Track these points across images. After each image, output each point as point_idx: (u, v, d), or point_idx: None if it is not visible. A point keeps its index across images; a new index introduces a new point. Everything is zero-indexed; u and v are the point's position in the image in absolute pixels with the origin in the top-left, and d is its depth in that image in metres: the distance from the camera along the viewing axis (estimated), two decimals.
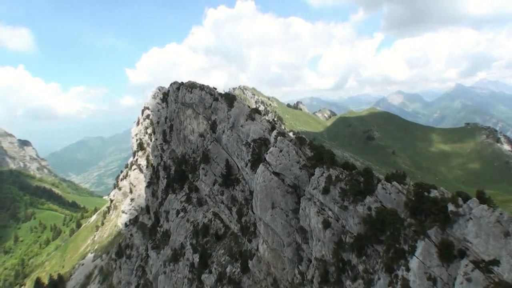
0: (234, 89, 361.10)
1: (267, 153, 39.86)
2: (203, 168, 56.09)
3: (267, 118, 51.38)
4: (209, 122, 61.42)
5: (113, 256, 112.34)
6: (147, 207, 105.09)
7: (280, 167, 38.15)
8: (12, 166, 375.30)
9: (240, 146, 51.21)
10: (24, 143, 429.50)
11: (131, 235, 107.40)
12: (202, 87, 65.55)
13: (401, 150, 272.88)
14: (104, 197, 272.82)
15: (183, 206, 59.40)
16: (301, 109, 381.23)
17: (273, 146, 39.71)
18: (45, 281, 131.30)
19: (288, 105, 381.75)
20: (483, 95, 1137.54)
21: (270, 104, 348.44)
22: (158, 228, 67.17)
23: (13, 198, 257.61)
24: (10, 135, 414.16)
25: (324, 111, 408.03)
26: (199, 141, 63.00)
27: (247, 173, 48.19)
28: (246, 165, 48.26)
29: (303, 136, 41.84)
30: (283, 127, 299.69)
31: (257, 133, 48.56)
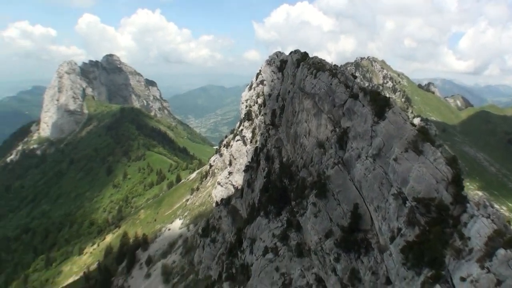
0: (362, 58, 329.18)
1: (467, 280, 17.81)
2: (313, 203, 36.10)
3: (443, 156, 27.94)
4: (336, 129, 40.14)
5: (199, 231, 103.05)
6: (242, 191, 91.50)
7: None
8: (137, 103, 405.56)
9: (386, 194, 29.63)
10: (150, 83, 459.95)
11: (220, 217, 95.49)
12: (333, 71, 43.59)
13: None
14: (214, 147, 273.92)
15: (275, 244, 40.86)
16: (433, 92, 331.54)
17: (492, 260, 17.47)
18: (131, 235, 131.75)
19: (419, 86, 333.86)
20: None
21: (399, 82, 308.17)
22: (239, 253, 50.59)
23: (129, 137, 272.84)
24: (139, 74, 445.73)
25: (456, 97, 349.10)
26: (315, 153, 42.49)
27: (390, 253, 26.96)
28: (392, 239, 26.90)
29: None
30: (411, 113, 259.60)
31: (424, 183, 26.30)
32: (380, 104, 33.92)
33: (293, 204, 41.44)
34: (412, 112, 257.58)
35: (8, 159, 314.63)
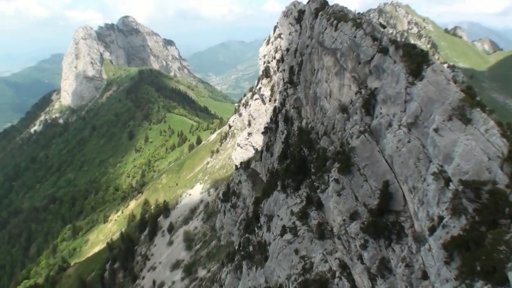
0: (385, 4, 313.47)
1: None
2: (336, 180, 31.29)
3: (497, 125, 22.15)
4: (362, 90, 34.30)
5: (220, 196, 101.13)
6: (261, 154, 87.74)
7: None
8: (156, 64, 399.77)
9: (424, 172, 24.42)
10: (168, 42, 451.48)
11: (240, 181, 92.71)
12: (357, 22, 36.86)
13: None
14: (235, 104, 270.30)
15: (294, 223, 36.78)
16: (460, 37, 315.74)
17: None
18: (152, 202, 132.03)
19: (446, 30, 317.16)
20: None
21: (424, 27, 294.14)
22: (256, 229, 47.11)
23: (148, 99, 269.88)
24: (156, 34, 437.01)
25: (484, 40, 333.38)
26: (338, 118, 37.01)
27: (429, 248, 22.22)
28: (432, 230, 22.08)
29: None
30: (437, 60, 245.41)
31: (473, 161, 20.82)
32: (416, 60, 27.77)
33: (313, 178, 36.75)
34: (438, 59, 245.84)
35: (32, 130, 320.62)
